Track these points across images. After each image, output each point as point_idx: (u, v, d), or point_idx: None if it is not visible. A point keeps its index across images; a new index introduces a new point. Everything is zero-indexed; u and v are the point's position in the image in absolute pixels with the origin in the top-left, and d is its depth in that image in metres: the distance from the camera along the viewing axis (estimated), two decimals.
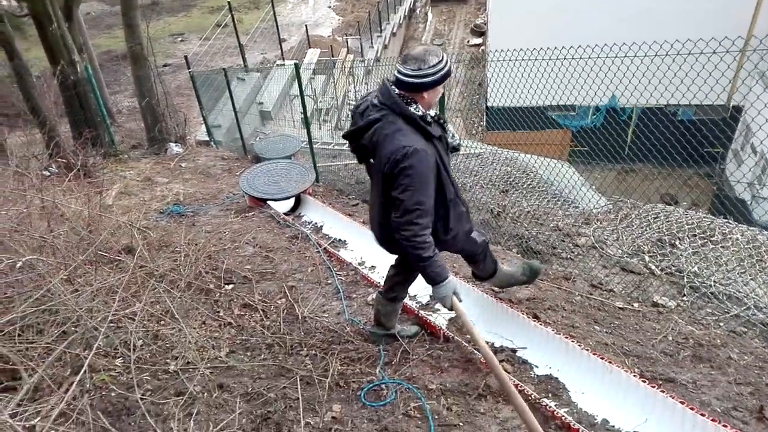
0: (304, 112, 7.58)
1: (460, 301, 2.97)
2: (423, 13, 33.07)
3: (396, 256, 3.36)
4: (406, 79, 2.65)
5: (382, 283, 3.56)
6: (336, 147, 11.97)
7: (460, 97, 23.13)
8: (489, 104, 19.30)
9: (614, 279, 4.42)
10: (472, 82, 24.30)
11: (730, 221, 5.26)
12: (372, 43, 25.71)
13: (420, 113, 2.71)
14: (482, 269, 3.64)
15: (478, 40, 28.42)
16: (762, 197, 16.16)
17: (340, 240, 5.53)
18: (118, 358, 3.25)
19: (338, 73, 20.88)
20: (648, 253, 4.72)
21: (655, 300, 4.14)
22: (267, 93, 14.54)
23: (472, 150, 8.89)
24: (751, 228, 5.09)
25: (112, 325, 3.28)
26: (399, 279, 3.38)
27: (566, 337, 3.31)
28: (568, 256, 4.77)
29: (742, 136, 18.01)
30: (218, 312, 4.01)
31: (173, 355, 3.36)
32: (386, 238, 3.01)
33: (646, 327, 3.72)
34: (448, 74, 2.68)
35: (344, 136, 2.91)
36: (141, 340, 3.41)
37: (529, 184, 7.37)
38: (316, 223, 6.06)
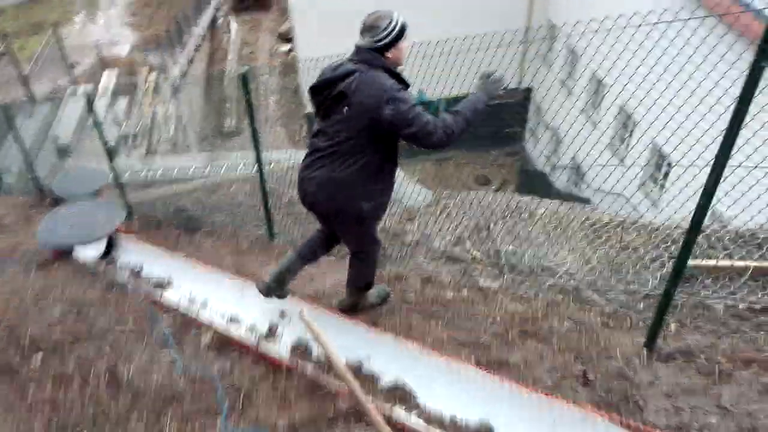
0: (104, 143, 6.92)
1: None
2: (226, 24, 32.19)
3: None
4: (367, 48, 2.92)
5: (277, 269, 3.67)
6: (150, 174, 11.19)
7: (277, 105, 22.87)
8: (306, 111, 19.37)
9: (443, 270, 4.61)
10: (287, 89, 24.16)
11: (535, 198, 5.75)
12: (176, 58, 24.47)
13: (391, 63, 2.97)
14: (359, 274, 3.64)
15: (287, 47, 28.36)
16: (558, 166, 18.11)
17: (163, 280, 5.11)
18: None
19: (142, 93, 19.55)
20: (468, 239, 4.99)
21: (480, 284, 4.39)
22: (62, 125, 13.15)
23: (296, 159, 8.78)
24: (552, 201, 5.63)
25: None
26: (322, 243, 3.63)
27: (406, 340, 3.36)
28: (399, 255, 4.88)
29: (535, 114, 20.01)
30: (26, 393, 3.48)
31: None
32: (329, 193, 3.08)
33: (477, 312, 3.92)
34: (402, 30, 2.94)
35: (313, 87, 3.05)
36: None
37: None
38: (134, 265, 5.55)
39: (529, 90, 19.26)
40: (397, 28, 2.91)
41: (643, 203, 13.03)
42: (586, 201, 14.67)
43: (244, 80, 4.37)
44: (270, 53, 28.93)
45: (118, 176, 7.33)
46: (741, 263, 4.05)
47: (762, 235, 4.37)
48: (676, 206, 4.37)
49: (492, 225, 5.18)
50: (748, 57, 2.51)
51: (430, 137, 2.82)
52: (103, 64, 20.05)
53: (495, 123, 17.94)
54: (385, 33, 2.89)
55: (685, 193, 4.15)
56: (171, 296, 4.69)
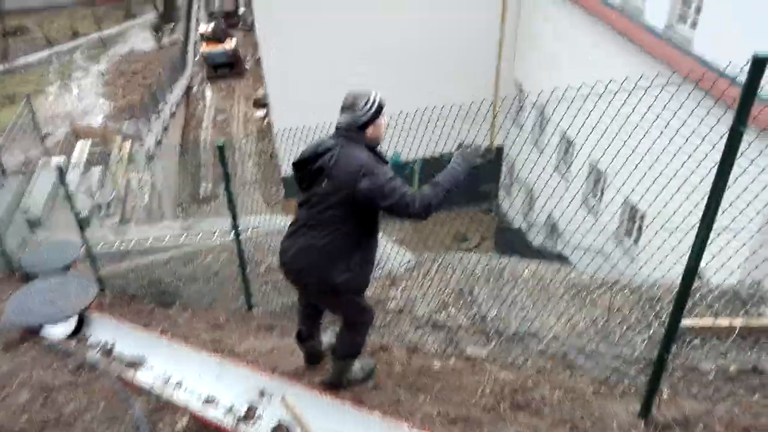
0: (76, 215, 6.79)
1: None
2: (201, 91, 32.62)
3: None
4: (347, 124, 3.01)
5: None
6: (123, 245, 10.96)
7: (255, 168, 22.95)
8: (283, 175, 19.43)
9: (428, 339, 4.50)
10: (264, 153, 24.29)
11: (516, 258, 5.72)
12: (151, 126, 24.57)
13: (369, 140, 3.06)
14: (348, 343, 3.56)
15: (262, 112, 28.73)
16: (533, 224, 18.31)
17: (137, 358, 4.89)
18: None
19: (116, 162, 19.49)
20: (452, 305, 4.90)
21: (467, 353, 4.28)
22: (33, 197, 12.90)
23: (278, 224, 8.65)
24: (534, 262, 5.60)
25: None
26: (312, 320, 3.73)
27: (394, 418, 3.21)
28: (382, 323, 4.76)
29: (509, 172, 20.38)
30: None
31: None
32: (311, 266, 3.11)
33: (466, 383, 3.79)
34: (380, 108, 3.04)
35: (296, 163, 3.16)
36: None
37: None
38: (105, 343, 5.31)
39: (500, 149, 19.67)
40: (375, 107, 3.01)
41: (622, 260, 13.16)
42: (564, 259, 14.78)
43: (221, 152, 4.34)
44: (245, 119, 29.27)
45: (89, 249, 7.15)
46: (727, 322, 4.03)
47: (744, 292, 4.37)
48: (654, 263, 4.40)
49: (476, 289, 5.11)
50: (718, 112, 2.56)
51: (408, 209, 2.86)
52: (76, 134, 20.00)
53: (470, 182, 18.16)
54: (364, 111, 2.99)
55: (662, 249, 4.16)
56: (144, 377, 4.47)
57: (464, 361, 4.17)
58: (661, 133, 3.31)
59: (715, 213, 2.36)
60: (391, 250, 6.69)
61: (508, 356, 4.20)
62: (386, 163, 3.07)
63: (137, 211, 18.58)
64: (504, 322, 4.56)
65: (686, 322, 4.03)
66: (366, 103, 3.00)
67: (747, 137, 2.23)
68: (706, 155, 3.14)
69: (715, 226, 2.40)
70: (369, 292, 5.49)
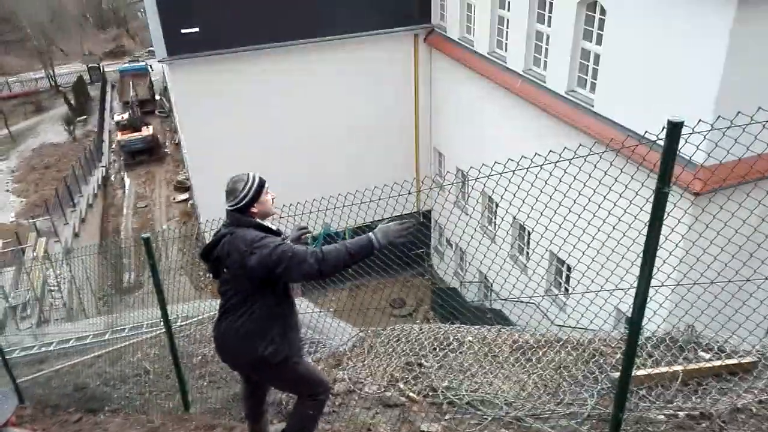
0: None
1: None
2: (119, 179, 31.74)
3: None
4: (233, 208, 3.14)
5: None
6: (42, 349, 10.16)
7: (180, 254, 22.20)
8: None
9: (380, 419, 4.34)
10: (190, 237, 23.63)
11: (459, 324, 5.71)
12: (66, 219, 23.53)
13: (259, 218, 3.18)
14: (297, 418, 3.50)
15: (185, 195, 28.17)
16: (466, 281, 18.57)
17: None
18: None
19: (30, 260, 18.40)
20: (402, 380, 4.78)
21: (422, 429, 4.14)
22: None
23: (209, 309, 8.28)
24: (476, 327, 5.59)
25: None
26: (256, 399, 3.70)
27: None
28: (331, 409, 4.56)
29: (438, 233, 20.74)
30: None
31: None
32: (236, 347, 3.25)
33: None
34: (261, 185, 3.17)
35: (201, 255, 3.32)
36: None
37: None
38: None
39: (428, 212, 20.08)
40: (254, 188, 3.15)
41: (551, 310, 13.47)
42: (498, 312, 14.96)
43: (147, 245, 4.16)
44: (167, 203, 28.58)
45: (5, 356, 6.59)
46: (670, 369, 4.13)
47: (680, 338, 4.52)
48: (581, 310, 4.51)
49: (423, 360, 5.03)
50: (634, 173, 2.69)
51: (302, 266, 2.91)
52: None
53: (401, 246, 18.36)
54: (243, 194, 3.12)
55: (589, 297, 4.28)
56: None
57: None
58: (578, 193, 3.46)
59: (651, 267, 2.44)
60: (330, 327, 6.52)
61: (464, 428, 4.10)
62: (279, 234, 3.20)
63: (57, 310, 17.45)
64: (454, 392, 4.48)
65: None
66: (245, 186, 3.13)
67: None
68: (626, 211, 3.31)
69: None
70: None
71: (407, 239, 3.07)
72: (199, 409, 5.22)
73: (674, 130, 2.20)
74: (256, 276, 3.04)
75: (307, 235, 3.63)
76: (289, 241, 3.45)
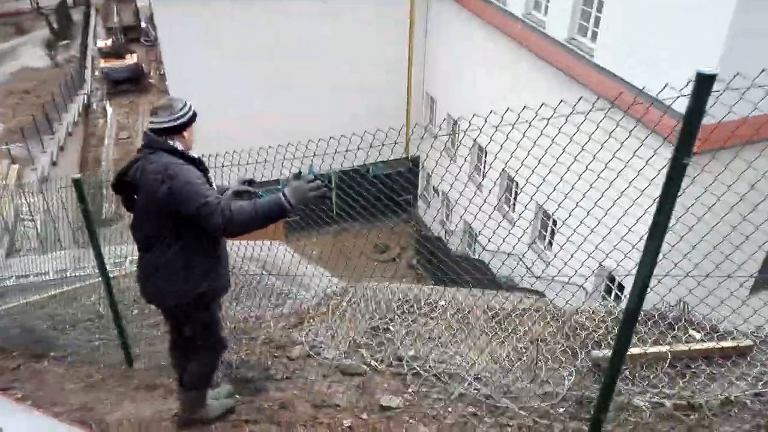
0: None
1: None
2: (101, 108, 30.65)
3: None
4: (161, 126, 2.82)
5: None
6: (1, 283, 9.73)
7: None
8: None
9: (338, 389, 3.95)
10: None
11: (433, 286, 5.29)
12: (44, 147, 22.70)
13: (181, 148, 2.86)
14: (194, 372, 3.31)
15: None
16: (451, 231, 18.21)
17: None
18: None
19: (1, 188, 17.78)
20: (365, 346, 4.38)
21: (382, 403, 3.76)
22: None
23: None
24: (449, 288, 5.17)
25: None
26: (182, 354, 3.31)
27: None
28: (285, 375, 4.16)
29: (425, 180, 20.26)
30: None
31: None
32: (155, 286, 3.00)
33: None
34: (195, 115, 2.92)
35: (113, 185, 3.01)
36: None
37: (241, 285, 6.64)
38: None
39: (416, 159, 19.53)
40: (191, 112, 2.91)
41: (536, 265, 13.16)
42: (483, 263, 14.67)
43: (78, 187, 3.64)
44: None
45: None
46: (656, 349, 3.74)
47: (671, 314, 4.12)
48: (565, 258, 4.07)
49: (390, 325, 4.62)
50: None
51: (210, 219, 2.64)
52: None
53: (387, 192, 17.96)
54: (181, 114, 2.86)
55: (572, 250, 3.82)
56: None
57: (379, 414, 3.66)
58: (566, 144, 2.96)
59: (659, 245, 1.97)
60: (305, 275, 6.09)
61: (428, 403, 3.73)
62: (204, 170, 2.91)
63: (31, 240, 16.93)
64: (421, 362, 4.08)
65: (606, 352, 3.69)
66: (183, 107, 2.89)
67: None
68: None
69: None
70: (270, 333, 4.89)
71: (319, 193, 2.75)
72: (147, 363, 4.82)
73: (703, 85, 1.67)
74: (165, 207, 2.74)
75: (253, 191, 3.13)
76: (230, 193, 3.03)
